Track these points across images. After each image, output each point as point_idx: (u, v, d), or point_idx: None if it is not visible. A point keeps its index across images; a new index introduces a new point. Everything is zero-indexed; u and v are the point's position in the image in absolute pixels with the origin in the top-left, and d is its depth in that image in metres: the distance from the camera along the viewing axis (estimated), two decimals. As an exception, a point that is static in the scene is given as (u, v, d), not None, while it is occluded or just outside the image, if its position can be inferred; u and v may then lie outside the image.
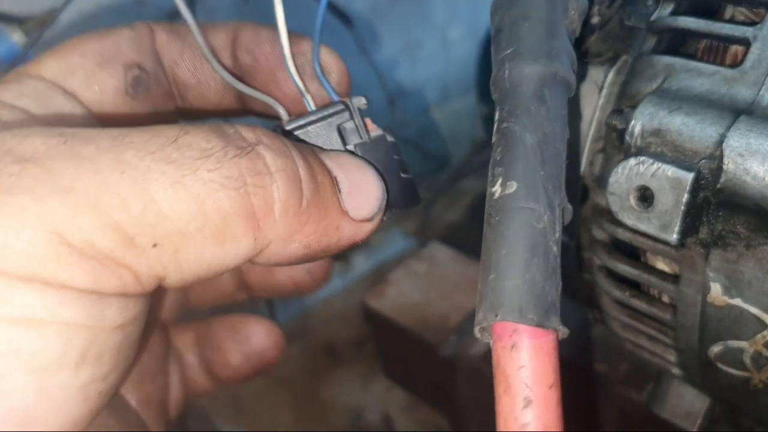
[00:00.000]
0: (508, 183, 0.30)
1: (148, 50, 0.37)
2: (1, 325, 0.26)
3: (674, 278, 0.43)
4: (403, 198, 0.38)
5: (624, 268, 0.45)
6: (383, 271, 1.87)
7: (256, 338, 0.44)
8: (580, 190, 0.46)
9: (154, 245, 0.27)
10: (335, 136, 0.36)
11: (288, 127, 0.36)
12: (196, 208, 0.28)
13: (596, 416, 0.59)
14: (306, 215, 0.31)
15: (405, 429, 1.32)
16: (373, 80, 1.76)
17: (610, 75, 0.45)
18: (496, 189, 0.30)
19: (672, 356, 0.48)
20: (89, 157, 0.27)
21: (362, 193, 0.33)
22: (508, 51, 0.34)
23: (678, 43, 0.45)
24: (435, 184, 2.01)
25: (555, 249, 0.30)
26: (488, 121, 1.67)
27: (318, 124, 0.36)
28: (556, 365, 0.29)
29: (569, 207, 0.31)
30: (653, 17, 0.44)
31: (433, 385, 1.04)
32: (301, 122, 0.36)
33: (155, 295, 0.32)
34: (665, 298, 0.46)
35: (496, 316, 0.29)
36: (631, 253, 0.48)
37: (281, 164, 0.30)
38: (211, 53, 0.35)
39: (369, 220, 0.33)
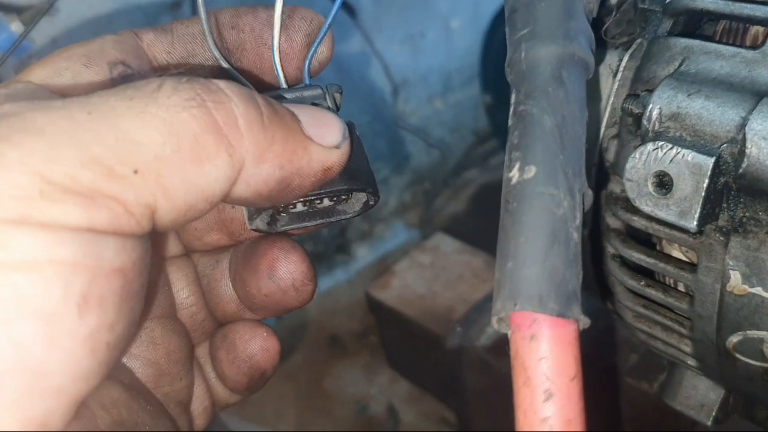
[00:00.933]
0: (526, 167, 0.29)
1: (133, 49, 0.38)
2: (2, 271, 0.26)
3: (691, 267, 0.42)
4: (371, 185, 0.39)
5: (639, 257, 0.44)
6: (386, 262, 1.87)
7: (245, 345, 0.43)
8: (594, 177, 0.45)
9: (135, 171, 0.28)
10: None
11: None
12: (166, 131, 0.29)
13: (617, 411, 0.59)
14: (270, 132, 0.32)
15: (410, 420, 1.32)
16: (377, 70, 1.74)
17: (625, 59, 0.43)
18: (514, 174, 0.29)
19: (687, 347, 0.47)
20: (58, 106, 0.29)
21: (322, 124, 0.35)
22: (524, 31, 0.32)
23: (694, 26, 0.44)
24: (438, 175, 2.00)
25: (575, 236, 0.29)
26: (491, 111, 1.66)
27: (293, 97, 0.38)
28: (578, 356, 0.28)
29: (589, 192, 0.30)
30: (669, -1, 0.43)
31: (438, 376, 1.04)
32: (276, 95, 0.38)
33: (155, 246, 0.33)
34: (681, 287, 0.45)
35: (515, 305, 0.28)
36: (646, 241, 0.47)
37: (235, 88, 0.32)
38: (209, 29, 0.37)
39: (336, 147, 0.35)
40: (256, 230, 0.39)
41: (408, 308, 1.03)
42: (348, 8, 1.45)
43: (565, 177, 0.29)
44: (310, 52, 0.39)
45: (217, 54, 0.38)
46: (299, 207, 0.38)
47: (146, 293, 0.33)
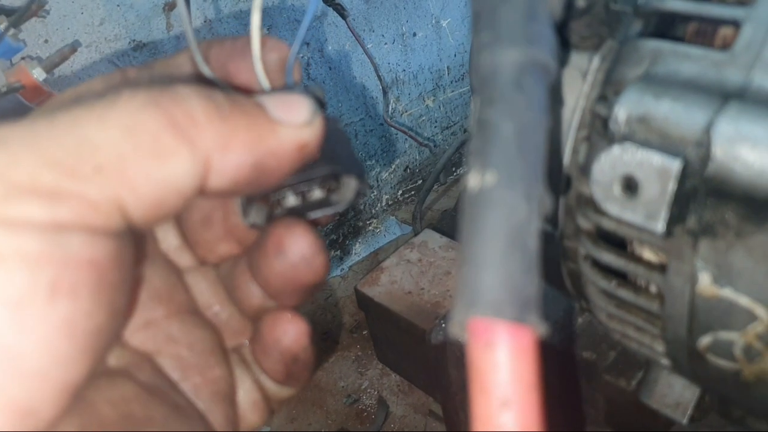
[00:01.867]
0: (484, 175, 0.29)
1: (118, 83, 0.40)
2: None
3: (661, 268, 0.42)
4: (356, 168, 0.40)
5: (610, 258, 0.44)
6: (379, 258, 1.87)
7: (271, 331, 0.43)
8: (564, 179, 0.45)
9: (97, 170, 0.29)
10: None
11: None
12: (126, 132, 0.30)
13: (581, 405, 0.59)
14: (232, 122, 0.33)
15: (399, 412, 1.32)
16: (367, 70, 1.75)
17: (595, 61, 0.43)
18: (473, 180, 0.29)
19: (660, 347, 0.47)
20: (23, 122, 0.30)
21: (288, 105, 0.35)
22: (486, 36, 0.32)
23: (666, 27, 0.44)
24: (429, 173, 2.00)
25: (532, 243, 0.29)
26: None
27: None
28: (536, 364, 0.28)
29: (548, 199, 0.30)
30: (641, 0, 0.43)
31: (425, 370, 1.04)
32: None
33: (135, 243, 0.34)
34: (653, 288, 0.45)
35: (474, 311, 0.27)
36: (617, 242, 0.47)
37: (191, 88, 0.33)
38: (194, 36, 0.38)
39: (306, 124, 0.35)
40: (252, 226, 0.39)
41: (395, 304, 1.03)
42: (338, 8, 1.44)
43: (523, 184, 0.29)
44: (293, 52, 0.40)
45: (200, 62, 0.39)
46: (291, 200, 0.39)
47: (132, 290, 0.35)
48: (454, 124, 2.08)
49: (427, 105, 1.96)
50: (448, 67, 1.97)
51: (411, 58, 1.87)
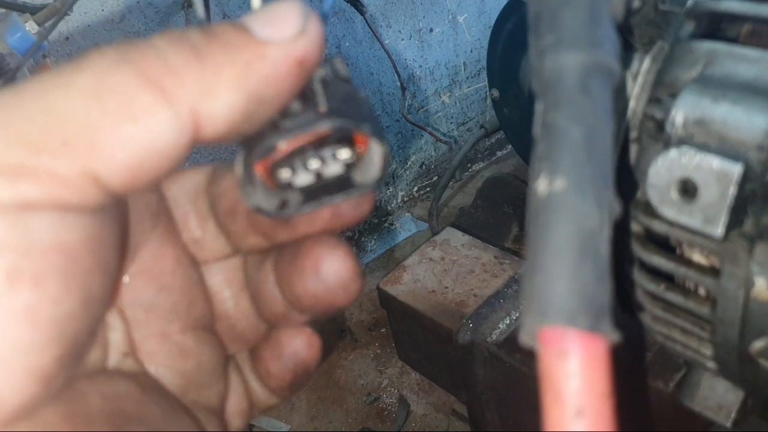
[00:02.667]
0: (553, 180, 0.29)
1: None
2: None
3: (714, 271, 0.42)
4: (372, 121, 0.34)
5: (660, 261, 0.44)
6: (395, 254, 1.87)
7: (290, 342, 0.42)
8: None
9: (65, 143, 0.28)
10: None
11: None
12: (93, 97, 0.28)
13: (648, 412, 0.58)
14: (210, 61, 0.30)
15: (420, 411, 1.32)
16: (383, 66, 1.74)
17: (646, 62, 0.43)
18: (541, 186, 0.29)
19: (708, 350, 0.47)
20: None
21: (276, 19, 0.31)
22: (549, 39, 0.32)
23: (716, 28, 0.44)
24: (445, 169, 1.99)
25: (604, 249, 0.28)
26: (498, 105, 1.65)
27: None
28: (610, 372, 0.27)
29: (617, 204, 0.30)
30: (691, 1, 0.42)
31: (449, 370, 1.03)
32: None
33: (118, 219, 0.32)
34: (701, 291, 0.45)
35: (544, 320, 0.27)
36: (663, 244, 0.46)
37: (162, 35, 0.30)
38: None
39: (300, 34, 0.31)
40: (258, 211, 0.35)
41: (419, 303, 1.02)
42: (357, 4, 1.44)
43: (594, 189, 0.28)
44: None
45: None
46: (303, 178, 0.35)
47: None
48: (470, 120, 2.08)
49: (443, 101, 1.96)
50: (464, 63, 1.96)
51: (427, 54, 1.86)
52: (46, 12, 1.00)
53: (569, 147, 0.29)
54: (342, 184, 0.35)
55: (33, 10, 1.00)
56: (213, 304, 0.42)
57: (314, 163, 0.34)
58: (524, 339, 0.29)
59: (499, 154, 2.10)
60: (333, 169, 0.35)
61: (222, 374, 0.42)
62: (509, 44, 1.56)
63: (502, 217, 1.55)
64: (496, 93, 1.63)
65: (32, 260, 0.28)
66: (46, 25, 0.97)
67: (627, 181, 0.45)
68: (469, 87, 2.03)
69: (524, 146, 1.64)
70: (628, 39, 0.42)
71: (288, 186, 0.34)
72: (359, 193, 0.35)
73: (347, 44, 1.61)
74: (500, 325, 0.86)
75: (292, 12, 0.31)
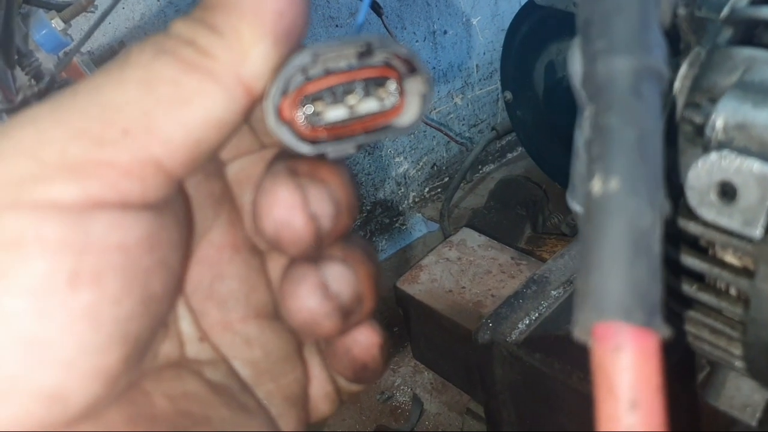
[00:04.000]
0: (608, 180, 0.30)
1: None
2: None
3: (747, 273, 0.43)
4: (420, 66, 0.33)
5: (694, 262, 0.45)
6: (406, 255, 1.88)
7: (344, 340, 0.42)
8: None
9: (125, 132, 0.29)
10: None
11: None
12: (144, 87, 0.30)
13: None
14: (228, 28, 0.31)
15: (434, 410, 1.33)
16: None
17: (683, 67, 0.44)
18: (596, 185, 0.30)
19: (737, 349, 0.48)
20: (52, 98, 0.30)
21: None
22: (601, 44, 0.33)
23: (752, 35, 0.45)
24: (457, 170, 2.01)
25: (657, 248, 0.29)
26: (511, 106, 1.66)
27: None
28: (661, 367, 0.28)
29: (668, 205, 0.31)
30: (728, 8, 0.43)
31: (466, 370, 1.05)
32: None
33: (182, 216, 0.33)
34: (732, 292, 0.46)
35: (601, 316, 0.28)
36: (694, 245, 0.47)
37: (181, 23, 0.31)
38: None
39: None
40: (285, 141, 0.33)
41: (437, 303, 1.03)
42: (375, 6, 1.45)
43: (647, 189, 0.29)
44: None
45: None
46: (336, 110, 0.33)
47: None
48: (482, 122, 2.09)
49: (455, 103, 1.97)
50: (477, 65, 1.97)
51: (441, 56, 1.87)
52: (71, 9, 1.01)
53: (623, 148, 0.30)
54: (375, 128, 0.34)
55: (59, 8, 1.01)
56: (274, 293, 0.42)
57: (349, 97, 0.33)
58: (578, 334, 0.30)
59: (509, 156, 2.11)
60: (368, 106, 0.33)
61: (297, 361, 0.42)
62: (524, 47, 1.58)
63: (514, 218, 1.56)
64: (509, 95, 1.65)
65: (92, 260, 0.29)
66: (77, 22, 0.98)
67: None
68: (481, 89, 2.04)
69: (537, 148, 1.65)
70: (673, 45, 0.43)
71: (319, 120, 0.33)
72: (395, 133, 0.34)
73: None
74: (520, 325, 0.87)
75: None
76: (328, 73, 0.33)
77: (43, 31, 0.96)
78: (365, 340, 0.40)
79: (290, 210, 0.34)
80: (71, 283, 0.28)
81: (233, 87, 0.31)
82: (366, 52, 0.32)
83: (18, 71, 0.93)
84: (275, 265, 0.41)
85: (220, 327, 0.39)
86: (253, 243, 0.41)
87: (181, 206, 0.35)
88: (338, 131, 0.33)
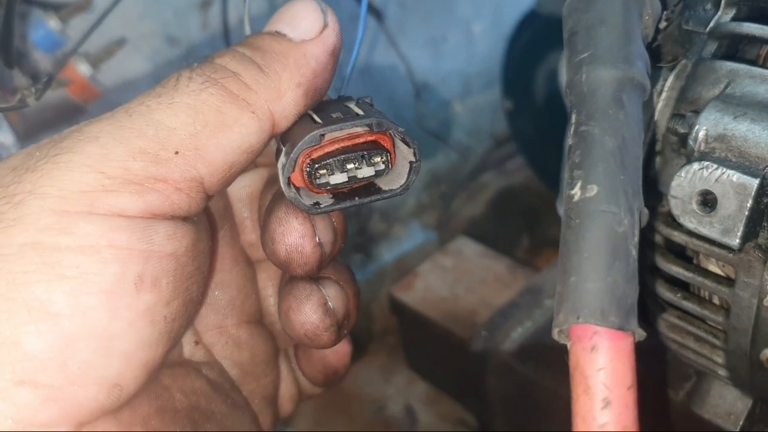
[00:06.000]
0: (588, 186, 0.31)
1: None
2: (70, 253, 0.31)
3: (729, 281, 0.43)
4: (409, 139, 0.39)
5: (678, 271, 0.46)
6: (403, 263, 1.88)
7: (319, 352, 0.46)
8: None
9: (176, 152, 0.33)
10: (337, 103, 0.40)
11: None
12: (193, 113, 0.34)
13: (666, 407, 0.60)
14: (272, 72, 0.36)
15: (427, 421, 1.33)
16: (397, 73, 1.76)
17: (670, 79, 0.45)
18: (576, 192, 0.31)
19: (720, 358, 0.48)
20: (107, 116, 0.34)
21: (301, 19, 0.38)
22: (585, 55, 0.34)
23: (735, 49, 0.46)
24: (455, 178, 2.01)
25: (634, 253, 0.30)
26: (511, 116, 1.67)
27: (325, 101, 0.40)
28: (634, 367, 0.29)
29: (645, 211, 0.32)
30: (713, 22, 0.44)
31: (460, 379, 1.05)
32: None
33: (207, 231, 0.38)
34: (716, 300, 0.47)
35: (578, 318, 0.29)
36: (679, 253, 0.48)
37: (230, 59, 0.37)
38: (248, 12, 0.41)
39: (325, 26, 0.38)
40: (294, 201, 0.38)
41: (431, 311, 1.04)
42: (375, 12, 1.46)
43: (626, 196, 0.30)
44: (351, 63, 0.42)
45: (247, 28, 0.41)
46: (338, 176, 0.38)
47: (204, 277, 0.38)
48: (480, 130, 2.09)
49: (454, 110, 1.98)
50: (477, 73, 1.98)
51: (441, 63, 1.88)
52: (69, 9, 1.02)
53: (603, 155, 0.31)
54: (370, 190, 0.40)
55: (56, 7, 1.02)
56: (261, 300, 0.47)
57: (350, 166, 0.38)
58: (556, 335, 0.31)
59: (508, 165, 2.11)
60: (365, 172, 0.39)
61: (274, 365, 0.46)
62: (525, 57, 1.59)
63: (512, 228, 1.56)
64: (509, 104, 1.66)
65: (153, 266, 0.33)
66: (74, 22, 0.99)
67: (648, 192, 0.47)
68: (480, 97, 2.04)
69: (536, 157, 1.66)
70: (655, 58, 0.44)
71: (324, 185, 0.38)
72: (388, 197, 0.40)
73: (362, 51, 1.63)
74: (513, 335, 0.88)
75: (310, 10, 0.38)
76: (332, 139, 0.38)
77: (41, 32, 0.97)
78: (341, 349, 0.46)
79: (302, 238, 0.39)
80: (137, 285, 0.32)
81: (265, 120, 0.36)
82: (368, 132, 0.38)
83: (16, 71, 0.94)
84: (264, 276, 0.46)
85: (217, 330, 0.44)
86: (248, 255, 0.46)
87: (206, 220, 0.40)
88: (338, 191, 0.39)
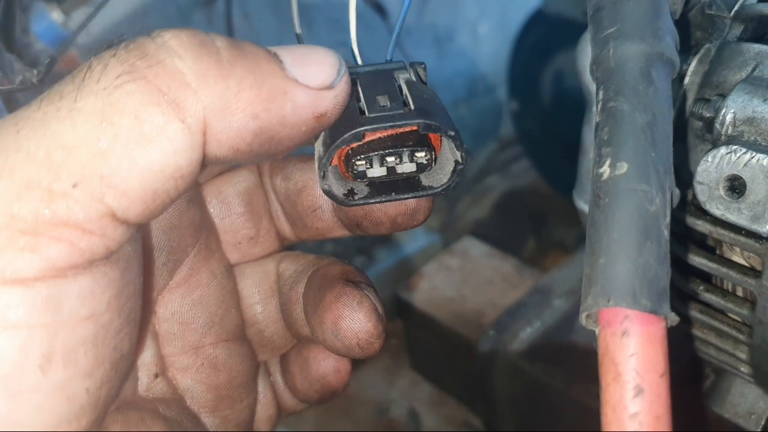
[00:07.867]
0: (618, 163, 0.29)
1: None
2: None
3: (755, 272, 0.42)
4: (450, 127, 0.34)
5: (701, 261, 0.44)
6: (406, 266, 1.86)
7: (318, 365, 0.42)
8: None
9: (75, 185, 0.25)
10: (387, 78, 0.36)
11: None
12: (99, 122, 0.25)
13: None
14: (235, 78, 0.27)
15: (431, 424, 1.31)
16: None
17: (693, 63, 0.43)
18: (605, 169, 0.29)
19: (743, 353, 0.47)
20: None
21: (310, 62, 0.30)
22: (612, 29, 0.32)
23: (762, 32, 0.44)
24: (459, 180, 2.00)
25: (666, 233, 0.29)
26: (518, 117, 1.66)
27: (369, 70, 0.36)
28: (667, 353, 0.28)
29: (677, 191, 0.30)
30: (738, 5, 0.43)
31: (466, 380, 1.04)
32: (358, 68, 0.36)
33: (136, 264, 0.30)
34: (740, 293, 0.45)
35: (609, 301, 0.28)
36: (701, 244, 0.47)
37: (183, 36, 0.27)
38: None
39: (328, 87, 0.30)
40: (328, 194, 0.34)
41: (437, 311, 1.03)
42: (380, 10, 1.45)
43: (657, 174, 0.29)
44: (396, 31, 0.38)
45: (296, 22, 0.36)
46: (377, 170, 0.34)
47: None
48: (485, 132, 2.08)
49: (460, 111, 1.97)
50: (482, 75, 1.97)
51: (446, 64, 1.87)
52: (73, 1, 1.01)
53: (633, 132, 0.30)
54: (410, 184, 0.36)
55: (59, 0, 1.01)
56: (243, 309, 0.42)
57: (390, 159, 0.34)
58: (583, 320, 0.29)
59: (513, 167, 2.10)
60: (406, 168, 0.35)
61: (252, 386, 0.42)
62: (531, 57, 1.57)
63: (518, 231, 1.55)
64: (515, 105, 1.64)
65: (64, 339, 0.27)
66: (77, 14, 0.98)
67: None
68: (486, 99, 2.03)
69: (541, 159, 1.64)
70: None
71: (361, 175, 0.34)
72: (426, 195, 0.36)
73: (367, 51, 1.62)
74: (522, 335, 0.87)
75: (328, 60, 0.30)
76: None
77: (44, 23, 0.96)
78: (342, 367, 0.42)
79: (369, 324, 0.37)
80: (42, 366, 0.26)
81: (195, 132, 0.27)
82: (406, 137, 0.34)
83: (18, 63, 0.92)
84: (249, 282, 0.42)
85: (191, 352, 0.39)
86: (227, 262, 0.41)
87: (139, 240, 0.32)
88: (377, 186, 0.36)
